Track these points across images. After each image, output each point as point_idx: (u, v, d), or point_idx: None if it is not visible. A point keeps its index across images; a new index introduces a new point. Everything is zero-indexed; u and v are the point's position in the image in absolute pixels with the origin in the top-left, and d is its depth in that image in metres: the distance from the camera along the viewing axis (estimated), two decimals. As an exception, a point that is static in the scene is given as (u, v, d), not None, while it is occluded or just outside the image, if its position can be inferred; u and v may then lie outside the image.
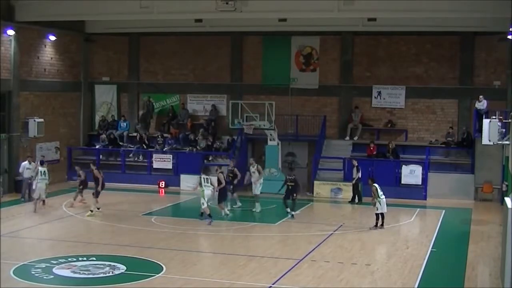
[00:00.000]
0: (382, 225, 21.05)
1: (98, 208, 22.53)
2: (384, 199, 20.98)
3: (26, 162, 25.20)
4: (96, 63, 32.87)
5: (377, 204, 20.87)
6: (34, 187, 23.48)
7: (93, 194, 22.69)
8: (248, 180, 24.85)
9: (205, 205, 21.38)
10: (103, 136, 31.39)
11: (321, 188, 27.41)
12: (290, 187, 22.47)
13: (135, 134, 31.37)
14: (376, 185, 21.05)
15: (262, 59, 31.14)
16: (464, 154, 28.08)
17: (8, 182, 26.82)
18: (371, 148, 28.26)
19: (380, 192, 20.88)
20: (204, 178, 21.63)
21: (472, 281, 15.57)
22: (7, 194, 26.18)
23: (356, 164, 26.22)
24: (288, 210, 22.60)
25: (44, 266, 15.87)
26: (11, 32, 26.51)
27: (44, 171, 23.09)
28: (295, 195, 22.47)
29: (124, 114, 32.33)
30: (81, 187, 23.93)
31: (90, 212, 22.27)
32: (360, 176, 25.94)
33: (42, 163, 23.77)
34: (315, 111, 30.36)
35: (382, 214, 20.99)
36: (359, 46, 30.20)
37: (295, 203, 22.72)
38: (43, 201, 23.33)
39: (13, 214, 22.54)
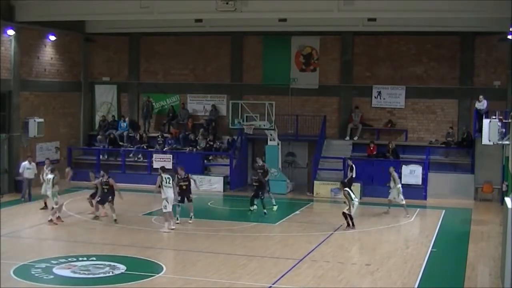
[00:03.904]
0: (348, 225, 20.80)
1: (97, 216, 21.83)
2: (357, 202, 21.06)
3: (26, 162, 25.18)
4: (96, 63, 32.88)
5: (350, 207, 20.62)
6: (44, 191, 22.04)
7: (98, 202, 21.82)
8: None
9: (168, 209, 20.07)
10: (100, 137, 31.34)
11: (321, 188, 27.40)
12: (255, 186, 23.37)
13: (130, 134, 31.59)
14: (347, 189, 20.96)
15: (262, 59, 31.14)
16: (464, 154, 28.09)
17: (8, 182, 26.83)
18: (371, 148, 28.27)
19: (353, 195, 20.86)
20: (165, 178, 20.35)
21: (472, 281, 15.56)
22: (7, 194, 26.20)
23: (351, 164, 26.18)
24: (251, 208, 23.26)
25: (44, 266, 15.87)
26: (11, 32, 26.51)
27: (50, 179, 21.27)
28: (260, 193, 23.09)
29: (124, 114, 32.35)
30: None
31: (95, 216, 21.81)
32: (354, 176, 25.92)
33: (52, 170, 21.87)
34: (315, 111, 30.37)
35: (349, 215, 20.69)
36: (359, 46, 30.21)
37: (263, 201, 23.26)
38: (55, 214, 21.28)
39: (13, 214, 22.55)
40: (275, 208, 24.01)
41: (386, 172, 27.15)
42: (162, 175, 20.50)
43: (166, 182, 20.30)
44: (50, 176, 21.31)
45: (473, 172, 27.23)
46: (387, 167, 26.14)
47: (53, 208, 21.04)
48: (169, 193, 20.17)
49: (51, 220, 20.84)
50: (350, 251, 18.31)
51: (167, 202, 20.03)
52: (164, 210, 20.13)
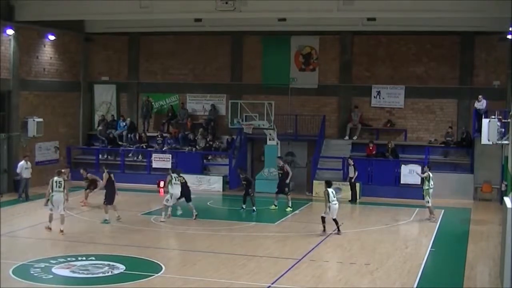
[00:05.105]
0: (324, 230, 19.88)
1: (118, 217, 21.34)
2: (336, 206, 19.80)
3: (23, 161, 25.22)
4: (96, 63, 32.85)
5: (326, 208, 19.70)
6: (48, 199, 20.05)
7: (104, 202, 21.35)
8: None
9: (169, 203, 21.72)
10: (101, 128, 31.27)
11: (321, 188, 27.00)
12: (244, 185, 23.78)
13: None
14: (330, 189, 19.83)
15: (261, 58, 31.11)
16: (464, 154, 28.08)
17: (8, 182, 26.81)
18: (371, 148, 28.26)
19: (332, 197, 19.68)
20: (174, 177, 21.85)
21: (471, 281, 15.55)
22: (6, 194, 26.21)
23: (352, 163, 26.29)
24: (244, 206, 23.65)
25: (43, 265, 15.86)
26: (10, 31, 26.51)
27: (60, 182, 19.60)
28: (250, 191, 23.58)
29: (123, 114, 32.32)
30: (89, 188, 23.79)
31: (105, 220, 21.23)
32: (356, 175, 26.10)
33: (59, 173, 20.05)
34: (315, 111, 30.35)
35: (325, 218, 19.81)
36: (359, 46, 30.18)
37: (253, 199, 23.66)
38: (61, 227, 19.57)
39: (13, 214, 22.55)
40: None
41: (386, 172, 27.24)
42: (172, 174, 22.02)
43: (175, 180, 21.84)
44: (58, 178, 19.70)
45: (472, 172, 27.21)
46: (387, 167, 26.14)
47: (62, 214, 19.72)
48: (175, 190, 21.77)
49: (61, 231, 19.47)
50: (349, 251, 18.27)
51: (170, 198, 21.75)
52: (164, 202, 21.79)
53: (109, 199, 21.31)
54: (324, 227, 19.96)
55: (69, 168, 24.84)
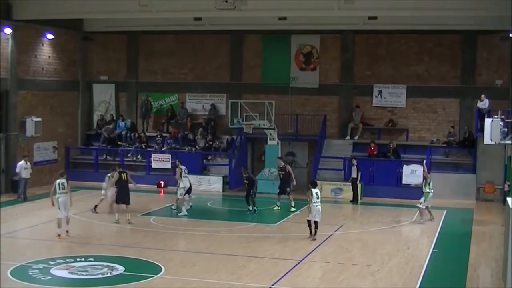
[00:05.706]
0: (314, 234, 19.20)
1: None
2: (319, 207, 19.03)
3: (23, 161, 25.05)
4: (94, 62, 32.69)
5: (309, 210, 19.05)
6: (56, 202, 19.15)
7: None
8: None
9: (182, 196, 22.96)
10: (109, 126, 31.09)
11: (322, 188, 27.09)
12: (246, 184, 23.70)
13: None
14: (314, 190, 19.05)
15: (261, 58, 30.97)
16: (466, 154, 27.92)
17: (5, 182, 26.65)
18: (372, 148, 28.11)
19: (315, 198, 18.93)
20: (184, 170, 23.12)
21: (473, 282, 15.43)
22: (4, 194, 26.07)
23: (356, 164, 26.16)
24: (250, 208, 23.42)
25: (41, 267, 15.73)
26: (8, 30, 26.37)
27: (63, 183, 19.00)
28: (251, 191, 23.37)
29: (122, 113, 32.15)
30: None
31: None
32: (359, 176, 25.96)
33: (62, 175, 19.48)
34: (315, 111, 30.21)
35: (310, 221, 19.13)
36: (360, 45, 30.04)
37: (254, 199, 23.43)
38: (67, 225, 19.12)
39: (11, 215, 22.38)
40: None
41: (388, 172, 27.06)
42: (181, 166, 23.13)
43: (185, 173, 23.10)
44: (61, 180, 19.05)
45: (475, 172, 27.05)
46: (389, 167, 25.94)
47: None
48: (185, 182, 23.02)
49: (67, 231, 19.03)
50: (350, 252, 18.15)
51: (184, 190, 22.91)
52: (178, 197, 23.01)
53: (118, 198, 21.31)
54: (310, 230, 19.35)
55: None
